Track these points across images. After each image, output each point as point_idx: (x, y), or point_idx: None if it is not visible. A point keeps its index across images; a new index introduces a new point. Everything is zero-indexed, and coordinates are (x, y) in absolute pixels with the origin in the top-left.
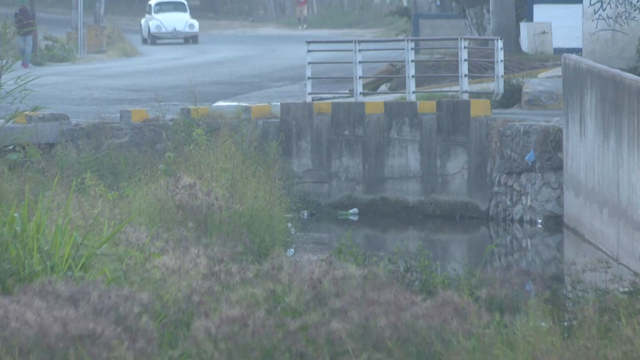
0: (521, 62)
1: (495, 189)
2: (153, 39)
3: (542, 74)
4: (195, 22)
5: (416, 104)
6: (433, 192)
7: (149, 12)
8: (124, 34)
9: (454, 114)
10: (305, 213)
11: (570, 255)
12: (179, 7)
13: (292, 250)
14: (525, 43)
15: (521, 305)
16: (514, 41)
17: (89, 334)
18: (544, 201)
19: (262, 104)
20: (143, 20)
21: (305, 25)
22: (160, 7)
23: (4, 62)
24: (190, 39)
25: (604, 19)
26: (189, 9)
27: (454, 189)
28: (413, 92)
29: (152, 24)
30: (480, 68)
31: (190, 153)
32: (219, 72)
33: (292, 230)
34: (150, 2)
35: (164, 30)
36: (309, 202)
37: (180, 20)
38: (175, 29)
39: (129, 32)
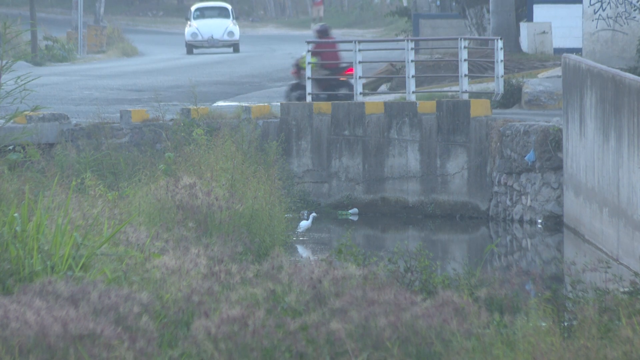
0: (521, 62)
1: (495, 189)
2: (189, 48)
3: (542, 74)
4: (236, 29)
5: (416, 104)
6: (433, 192)
7: (188, 19)
8: (124, 34)
9: (454, 114)
10: (305, 213)
11: (570, 255)
12: (221, 13)
13: (296, 249)
14: (525, 43)
15: (521, 305)
16: (514, 41)
17: (89, 334)
18: (544, 201)
19: (262, 104)
20: (186, 28)
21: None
22: (201, 13)
23: (5, 62)
24: (231, 47)
25: (604, 19)
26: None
27: (454, 189)
28: (413, 92)
29: (188, 32)
30: (480, 68)
31: (190, 153)
32: (219, 72)
33: (299, 227)
34: (191, 8)
35: (200, 38)
36: (309, 202)
37: (219, 27)
38: (212, 37)
39: (129, 32)
